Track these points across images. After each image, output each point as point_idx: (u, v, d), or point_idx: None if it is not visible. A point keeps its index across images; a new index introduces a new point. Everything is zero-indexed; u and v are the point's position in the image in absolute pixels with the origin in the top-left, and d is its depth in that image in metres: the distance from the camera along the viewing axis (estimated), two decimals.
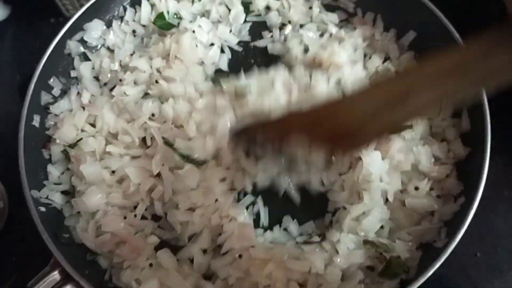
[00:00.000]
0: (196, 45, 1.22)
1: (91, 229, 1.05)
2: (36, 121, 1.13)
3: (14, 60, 1.42)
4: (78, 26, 1.22)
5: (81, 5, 1.36)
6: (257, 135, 0.89)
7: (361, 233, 1.01)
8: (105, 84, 1.24)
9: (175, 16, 1.28)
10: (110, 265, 1.06)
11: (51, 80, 1.19)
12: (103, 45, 1.28)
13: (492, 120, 1.03)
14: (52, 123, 1.16)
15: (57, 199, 1.09)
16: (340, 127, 0.78)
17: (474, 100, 1.00)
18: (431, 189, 1.05)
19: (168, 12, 1.27)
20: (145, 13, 1.28)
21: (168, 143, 1.07)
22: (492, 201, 1.13)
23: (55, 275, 0.96)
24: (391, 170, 1.05)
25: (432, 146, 1.08)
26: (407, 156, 1.05)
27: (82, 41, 1.24)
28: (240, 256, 1.00)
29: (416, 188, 1.04)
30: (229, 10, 1.29)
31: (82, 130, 1.14)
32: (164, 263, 1.02)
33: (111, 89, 1.22)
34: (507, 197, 1.17)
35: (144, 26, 1.29)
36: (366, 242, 0.99)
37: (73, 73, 1.23)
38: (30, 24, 1.46)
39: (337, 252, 0.99)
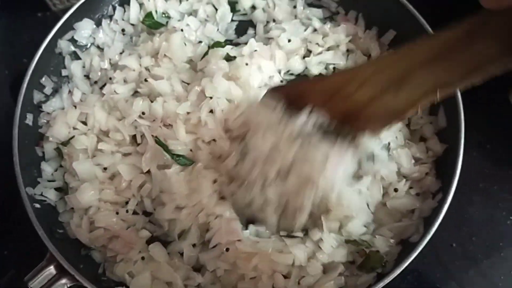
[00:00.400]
0: (185, 44, 1.25)
1: (85, 225, 1.09)
2: (29, 119, 1.16)
3: (3, 55, 1.43)
4: (68, 26, 1.24)
5: (68, 0, 1.40)
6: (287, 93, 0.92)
7: (344, 234, 1.05)
8: (96, 82, 1.26)
9: (163, 15, 1.31)
10: (103, 259, 1.09)
11: (43, 79, 1.21)
12: (93, 43, 1.30)
13: (467, 115, 1.07)
14: (45, 121, 1.19)
15: (51, 195, 1.12)
16: (349, 101, 0.81)
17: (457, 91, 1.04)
18: (410, 187, 1.09)
19: (156, 11, 1.30)
20: (134, 12, 1.31)
21: (158, 142, 1.09)
22: (467, 193, 1.19)
23: (51, 270, 0.99)
24: (372, 183, 1.08)
25: (411, 148, 1.12)
26: (390, 167, 1.09)
27: (73, 40, 1.26)
28: (227, 249, 1.03)
29: (396, 190, 1.08)
30: (216, 10, 1.32)
31: (74, 128, 1.17)
32: (156, 256, 1.05)
33: (102, 87, 1.25)
34: (482, 189, 1.22)
35: (133, 25, 1.32)
36: (348, 241, 1.04)
37: (64, 72, 1.25)
38: (17, 18, 1.47)
39: (320, 248, 1.03)
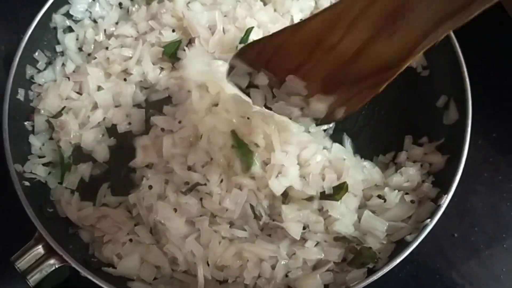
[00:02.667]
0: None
1: (75, 201, 1.07)
2: (21, 94, 1.13)
3: None
4: (62, 1, 1.21)
5: None
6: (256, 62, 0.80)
7: (332, 232, 1.02)
8: (89, 54, 1.23)
9: None
10: (91, 239, 1.07)
11: (36, 53, 1.18)
12: (89, 18, 1.26)
13: (473, 102, 1.04)
14: (36, 94, 1.16)
15: (41, 172, 1.09)
16: (333, 54, 0.67)
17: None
18: (406, 193, 1.04)
19: None
20: None
21: None
22: (471, 182, 1.16)
23: (39, 249, 0.97)
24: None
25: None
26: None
27: (68, 15, 1.23)
28: None
29: (384, 200, 1.03)
30: None
31: (67, 98, 1.15)
32: (142, 238, 1.03)
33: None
34: (486, 178, 1.19)
35: None
36: (337, 239, 1.00)
37: (58, 48, 1.22)
38: None
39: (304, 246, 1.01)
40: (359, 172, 1.04)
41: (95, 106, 1.15)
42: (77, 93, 1.16)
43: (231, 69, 0.89)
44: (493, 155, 1.21)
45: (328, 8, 0.67)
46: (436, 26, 0.60)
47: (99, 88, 1.16)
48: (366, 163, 1.09)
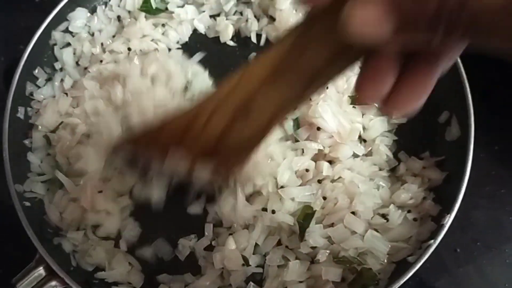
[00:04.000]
0: None
1: (57, 200, 1.08)
2: (21, 112, 1.13)
3: None
4: (63, 15, 1.20)
5: None
6: (137, 151, 0.85)
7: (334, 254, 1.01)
8: (85, 68, 1.22)
9: (162, 1, 1.26)
10: (73, 246, 1.06)
11: (36, 70, 1.17)
12: (88, 32, 1.26)
13: (475, 114, 1.03)
14: (35, 110, 1.16)
15: (40, 189, 1.09)
16: (204, 136, 0.75)
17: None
18: (408, 211, 1.03)
19: None
20: None
21: None
22: (473, 196, 1.13)
23: (40, 271, 0.96)
24: None
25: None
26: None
27: (67, 31, 1.23)
28: None
29: (387, 219, 1.02)
30: None
31: (66, 114, 1.14)
32: None
33: None
34: (488, 192, 1.17)
35: (129, 12, 1.27)
36: (338, 259, 0.99)
37: (57, 65, 1.21)
38: (15, 3, 1.42)
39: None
40: (370, 199, 1.03)
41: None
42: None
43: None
44: (496, 168, 1.20)
45: (192, 106, 0.76)
46: (283, 107, 0.68)
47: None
48: (378, 180, 1.08)
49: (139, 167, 0.84)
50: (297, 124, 1.09)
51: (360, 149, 1.09)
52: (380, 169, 1.10)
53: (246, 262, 1.02)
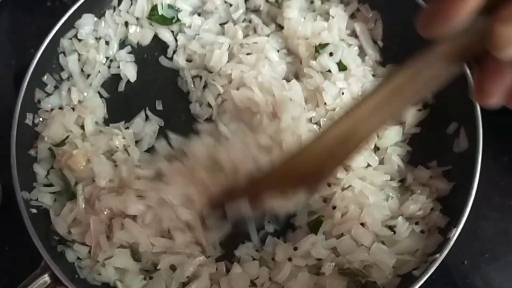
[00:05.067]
0: None
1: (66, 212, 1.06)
2: (29, 119, 1.13)
3: (9, 44, 1.40)
4: (70, 23, 1.20)
5: None
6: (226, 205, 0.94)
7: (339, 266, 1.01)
8: (89, 75, 1.22)
9: (171, 8, 1.26)
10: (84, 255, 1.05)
11: (45, 77, 1.17)
12: (94, 37, 1.25)
13: (484, 125, 1.02)
14: (41, 119, 1.16)
15: (47, 200, 1.09)
16: (304, 172, 0.84)
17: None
18: (416, 223, 1.03)
19: (162, 5, 1.25)
20: (140, 4, 1.25)
21: None
22: (482, 207, 1.13)
23: (45, 278, 0.96)
24: None
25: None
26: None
27: (75, 38, 1.22)
28: None
29: (394, 232, 1.01)
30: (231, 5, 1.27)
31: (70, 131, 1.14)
32: None
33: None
34: (497, 203, 1.17)
35: (137, 18, 1.27)
36: (343, 271, 0.98)
37: (63, 74, 1.21)
38: (25, 6, 1.43)
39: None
40: (380, 210, 1.03)
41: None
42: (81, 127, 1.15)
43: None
44: (505, 179, 1.19)
45: (291, 156, 0.88)
46: (377, 128, 0.80)
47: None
48: (388, 191, 1.07)
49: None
50: None
51: (374, 160, 1.09)
52: (391, 179, 1.09)
53: None
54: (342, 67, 1.15)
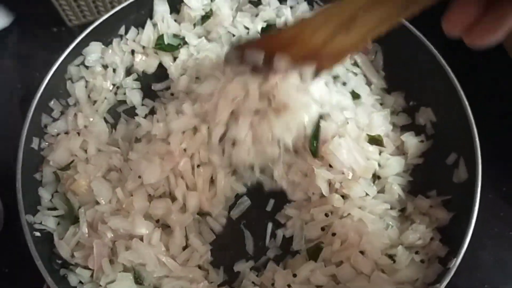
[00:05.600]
0: None
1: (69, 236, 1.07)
2: (35, 143, 1.14)
3: (15, 68, 1.43)
4: (78, 51, 1.23)
5: (84, 16, 1.40)
6: (246, 50, 0.98)
7: None
8: (95, 102, 1.24)
9: (175, 37, 1.29)
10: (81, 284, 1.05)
11: (52, 102, 1.19)
12: (101, 64, 1.28)
13: (482, 155, 1.03)
14: (47, 144, 1.17)
15: (51, 223, 1.09)
16: (307, 46, 0.90)
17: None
18: (416, 252, 1.03)
19: (167, 35, 1.27)
20: (147, 34, 1.28)
21: None
22: (481, 237, 1.15)
23: None
24: None
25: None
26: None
27: (83, 65, 1.25)
28: None
29: (394, 260, 1.02)
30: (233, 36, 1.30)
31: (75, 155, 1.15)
32: None
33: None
34: (496, 233, 1.18)
35: (143, 47, 1.30)
36: None
37: (70, 101, 1.23)
38: (32, 32, 1.47)
39: None
40: (379, 239, 1.03)
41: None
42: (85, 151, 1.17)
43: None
44: (504, 209, 1.20)
45: (301, 20, 0.93)
46: (379, 24, 0.81)
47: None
48: (388, 219, 1.08)
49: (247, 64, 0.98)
50: (316, 142, 1.11)
51: (372, 190, 1.10)
52: (391, 208, 1.10)
53: None
54: (355, 95, 1.19)
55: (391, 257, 1.02)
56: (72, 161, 1.13)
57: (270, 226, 1.13)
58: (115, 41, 1.29)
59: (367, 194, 1.09)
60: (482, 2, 0.65)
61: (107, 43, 1.28)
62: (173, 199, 1.09)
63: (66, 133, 1.19)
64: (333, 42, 0.87)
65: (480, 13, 0.66)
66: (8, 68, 1.43)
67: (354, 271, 1.01)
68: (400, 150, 1.16)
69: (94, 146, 1.16)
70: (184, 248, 1.08)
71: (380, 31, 0.82)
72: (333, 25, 0.85)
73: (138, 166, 1.09)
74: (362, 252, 1.02)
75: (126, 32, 1.29)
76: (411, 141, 1.14)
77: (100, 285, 1.01)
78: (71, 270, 1.05)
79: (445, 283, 0.94)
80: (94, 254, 1.02)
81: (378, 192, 1.11)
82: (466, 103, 1.06)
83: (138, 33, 1.30)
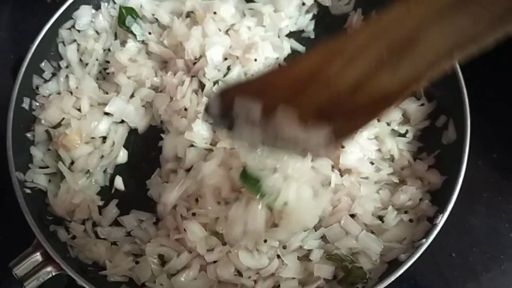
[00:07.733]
0: None
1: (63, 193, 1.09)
2: (26, 103, 1.14)
3: (8, 39, 1.43)
4: (69, 13, 1.22)
5: None
6: (237, 98, 0.69)
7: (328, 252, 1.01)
8: (87, 64, 1.24)
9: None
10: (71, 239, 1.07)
11: (43, 63, 1.19)
12: (93, 28, 1.27)
13: (473, 122, 1.03)
14: (38, 104, 1.18)
15: (41, 181, 1.10)
16: (328, 91, 0.61)
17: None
18: (405, 212, 1.04)
19: None
20: None
21: None
22: (470, 202, 1.15)
23: (37, 256, 0.97)
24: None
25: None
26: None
27: (74, 28, 1.24)
28: None
29: (382, 221, 1.03)
30: None
31: (67, 113, 1.15)
32: None
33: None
34: (485, 199, 1.18)
35: None
36: (331, 257, 0.99)
37: (62, 64, 1.23)
38: (27, 4, 1.46)
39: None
40: (371, 202, 1.03)
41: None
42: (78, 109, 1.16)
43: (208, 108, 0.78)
44: (493, 175, 1.20)
45: (328, 42, 0.62)
46: (452, 51, 0.55)
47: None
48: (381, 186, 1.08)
49: (230, 119, 0.71)
50: None
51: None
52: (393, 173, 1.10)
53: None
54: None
55: (380, 218, 1.03)
56: (63, 119, 1.13)
57: None
58: (103, 5, 1.28)
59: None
60: None
61: (97, 7, 1.27)
62: None
63: (58, 93, 1.19)
64: (369, 84, 0.58)
65: None
66: (1, 39, 1.43)
67: (343, 231, 1.01)
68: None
69: (87, 103, 1.16)
70: None
71: (449, 63, 0.56)
72: (380, 51, 0.56)
73: None
74: (352, 216, 1.02)
75: None
76: (411, 107, 1.13)
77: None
78: (60, 225, 1.06)
79: (431, 238, 0.94)
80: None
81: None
82: (458, 67, 1.06)
83: None
